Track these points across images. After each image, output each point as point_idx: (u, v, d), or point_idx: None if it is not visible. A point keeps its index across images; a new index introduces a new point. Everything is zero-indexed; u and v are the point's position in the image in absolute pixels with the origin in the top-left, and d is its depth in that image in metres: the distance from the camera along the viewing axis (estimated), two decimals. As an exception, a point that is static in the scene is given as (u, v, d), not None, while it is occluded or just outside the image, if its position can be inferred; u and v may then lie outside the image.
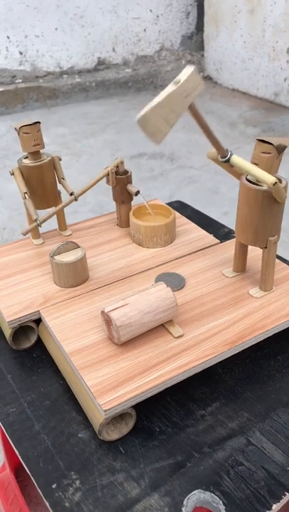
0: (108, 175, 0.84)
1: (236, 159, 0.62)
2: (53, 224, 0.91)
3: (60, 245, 0.75)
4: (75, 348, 0.64)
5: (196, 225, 0.91)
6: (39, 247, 0.86)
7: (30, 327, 0.73)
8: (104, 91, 3.73)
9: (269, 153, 0.63)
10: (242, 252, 0.75)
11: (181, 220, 0.92)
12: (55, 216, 0.89)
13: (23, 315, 0.70)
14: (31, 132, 0.79)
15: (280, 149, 0.62)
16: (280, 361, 0.70)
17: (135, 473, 0.56)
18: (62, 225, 0.90)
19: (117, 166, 0.84)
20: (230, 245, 0.84)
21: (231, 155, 0.62)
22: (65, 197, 0.87)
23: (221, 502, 0.53)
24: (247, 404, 0.64)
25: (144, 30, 3.83)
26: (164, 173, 2.59)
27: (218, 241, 0.86)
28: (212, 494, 0.53)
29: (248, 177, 0.68)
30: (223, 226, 1.02)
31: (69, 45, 3.71)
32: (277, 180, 0.61)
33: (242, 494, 0.53)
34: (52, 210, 0.84)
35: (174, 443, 0.59)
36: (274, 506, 0.52)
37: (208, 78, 3.95)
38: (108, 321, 0.63)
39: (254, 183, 0.66)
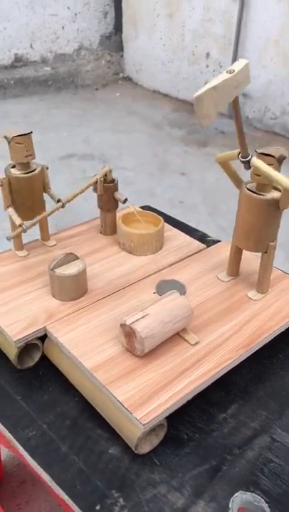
0: (96, 183, 0.83)
1: (257, 161, 0.64)
2: (34, 234, 0.88)
3: (60, 258, 0.72)
4: (96, 364, 0.63)
5: (178, 231, 0.93)
6: (25, 260, 0.83)
7: (32, 344, 0.70)
8: (24, 89, 3.61)
9: (271, 164, 0.66)
10: (237, 257, 0.78)
11: (165, 227, 0.93)
12: (37, 226, 0.86)
13: (29, 333, 0.67)
14: (24, 143, 0.75)
15: (280, 160, 0.66)
16: (282, 359, 0.74)
17: (176, 483, 0.56)
18: (45, 234, 0.87)
19: (105, 175, 0.83)
20: (218, 250, 0.87)
21: (252, 156, 0.64)
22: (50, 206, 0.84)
23: (262, 500, 0.55)
24: (262, 403, 0.67)
25: (62, 27, 3.77)
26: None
27: (204, 246, 0.89)
28: (253, 494, 0.56)
29: (248, 186, 0.71)
30: (196, 230, 1.04)
31: (-17, 40, 3.53)
32: None
33: (280, 490, 0.56)
34: (38, 216, 0.81)
35: (204, 448, 0.60)
36: (310, 497, 0.56)
37: (128, 79, 3.98)
38: (130, 334, 0.63)
39: (255, 193, 0.69)
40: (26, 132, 0.76)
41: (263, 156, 0.66)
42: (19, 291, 0.75)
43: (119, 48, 4.00)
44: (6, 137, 0.76)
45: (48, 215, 0.79)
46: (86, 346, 0.65)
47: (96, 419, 0.63)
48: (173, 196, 2.39)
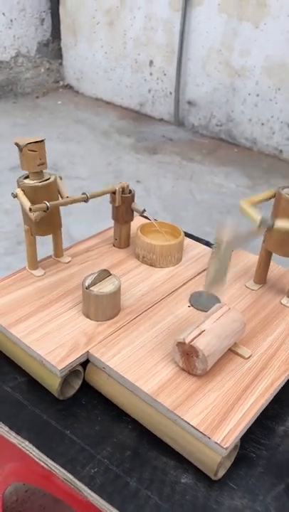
0: (114, 193, 0.79)
1: (281, 225, 0.67)
2: (46, 251, 0.82)
3: (95, 275, 0.67)
4: (155, 387, 0.59)
5: (192, 240, 0.91)
6: (43, 279, 0.76)
7: (72, 372, 0.64)
8: None
9: None
10: (267, 265, 0.78)
11: (178, 237, 0.90)
12: (51, 243, 0.80)
13: (73, 359, 0.62)
14: (38, 150, 0.70)
15: None
16: None
17: (259, 507, 0.54)
18: (59, 250, 0.81)
19: (123, 189, 0.79)
20: (236, 258, 0.86)
21: (274, 224, 0.67)
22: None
23: None
24: (316, 412, 0.66)
25: (-2, 34, 3.62)
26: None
27: (222, 255, 0.87)
28: None
29: (285, 191, 0.70)
30: (199, 239, 1.03)
31: None
32: None
33: None
34: (61, 199, 0.75)
35: (276, 466, 0.58)
36: None
37: (68, 87, 3.91)
38: (189, 352, 0.59)
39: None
40: (40, 139, 0.71)
41: None
42: (48, 314, 0.69)
43: (58, 55, 3.92)
44: (18, 144, 0.70)
45: (71, 202, 0.74)
46: (138, 369, 0.61)
47: (157, 447, 0.59)
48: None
